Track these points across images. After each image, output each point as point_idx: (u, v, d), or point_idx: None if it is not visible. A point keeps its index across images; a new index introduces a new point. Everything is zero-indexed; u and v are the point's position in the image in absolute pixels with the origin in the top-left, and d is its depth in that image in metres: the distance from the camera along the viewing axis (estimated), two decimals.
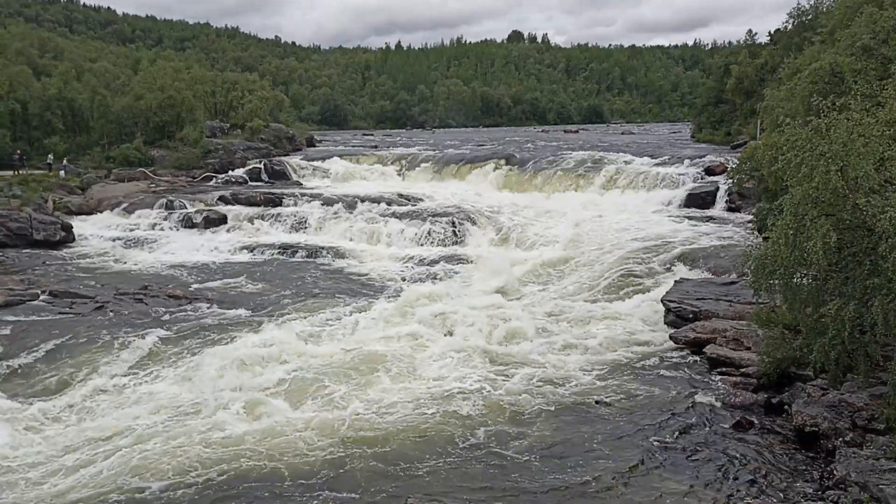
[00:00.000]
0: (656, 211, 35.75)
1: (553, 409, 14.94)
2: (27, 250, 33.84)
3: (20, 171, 46.15)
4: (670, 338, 18.92)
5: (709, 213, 34.79)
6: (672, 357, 17.94)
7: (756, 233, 26.70)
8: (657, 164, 42.82)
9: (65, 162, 48.79)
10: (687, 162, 41.95)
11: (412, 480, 12.00)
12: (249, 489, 11.82)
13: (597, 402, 15.24)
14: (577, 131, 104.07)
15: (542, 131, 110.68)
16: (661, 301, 20.84)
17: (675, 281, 22.76)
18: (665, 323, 20.12)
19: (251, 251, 33.75)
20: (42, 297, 24.92)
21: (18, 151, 48.58)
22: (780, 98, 26.85)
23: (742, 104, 58.22)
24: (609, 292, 23.82)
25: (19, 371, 18.22)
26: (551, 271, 27.15)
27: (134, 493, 11.80)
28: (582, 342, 19.36)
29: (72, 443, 14.04)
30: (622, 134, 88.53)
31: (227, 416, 14.70)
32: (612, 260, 26.38)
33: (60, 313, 23.10)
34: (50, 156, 50.02)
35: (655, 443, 13.22)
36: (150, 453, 13.16)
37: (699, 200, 36.38)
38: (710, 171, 39.53)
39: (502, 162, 49.83)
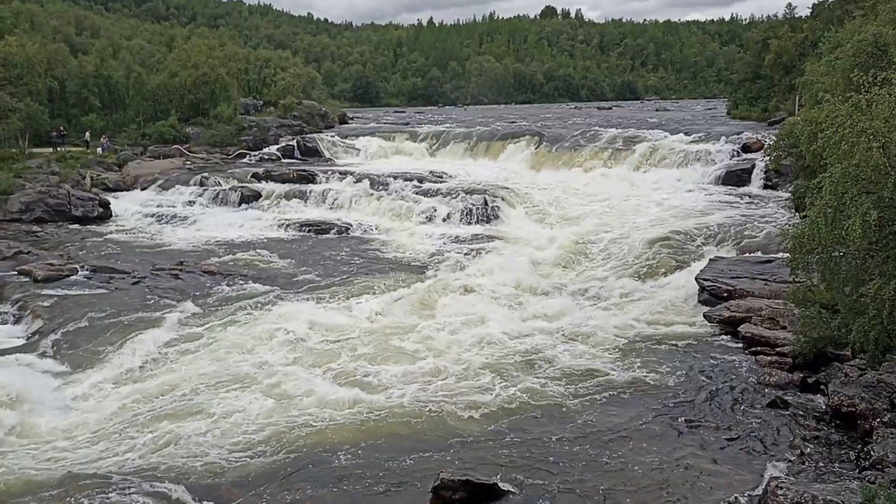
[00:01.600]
0: (690, 189, 35.31)
1: (584, 387, 14.94)
2: (66, 226, 34.45)
3: (59, 149, 46.86)
4: (704, 316, 18.78)
5: (744, 190, 34.25)
6: (706, 336, 17.82)
7: (793, 211, 26.28)
8: (692, 142, 42.20)
9: (104, 140, 49.42)
10: (723, 139, 41.27)
11: (444, 456, 12.09)
12: (280, 461, 12.01)
13: (628, 381, 15.20)
14: (610, 108, 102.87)
15: (575, 108, 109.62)
16: (695, 279, 20.66)
17: (710, 259, 22.54)
18: (699, 301, 19.96)
19: (284, 228, 33.99)
20: (81, 272, 25.39)
21: (59, 128, 49.28)
22: (820, 73, 26.26)
23: (780, 80, 57.01)
24: (641, 270, 23.65)
25: (62, 343, 18.67)
26: (583, 249, 26.99)
27: (174, 459, 12.07)
28: (614, 320, 19.30)
29: (114, 412, 14.41)
30: (656, 111, 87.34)
31: (257, 388, 14.94)
32: (645, 238, 26.16)
33: (99, 288, 23.55)
34: (87, 133, 50.69)
35: (689, 421, 13.17)
36: (187, 420, 13.48)
37: (735, 178, 35.82)
38: (746, 149, 38.86)
39: (535, 139, 49.44)
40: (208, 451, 12.43)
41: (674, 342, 17.52)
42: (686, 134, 44.61)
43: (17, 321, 21.10)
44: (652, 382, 15.10)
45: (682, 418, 13.33)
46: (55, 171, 40.65)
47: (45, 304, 21.43)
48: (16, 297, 22.24)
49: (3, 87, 45.47)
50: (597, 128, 50.82)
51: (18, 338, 19.84)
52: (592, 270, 24.71)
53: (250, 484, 11.35)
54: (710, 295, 19.63)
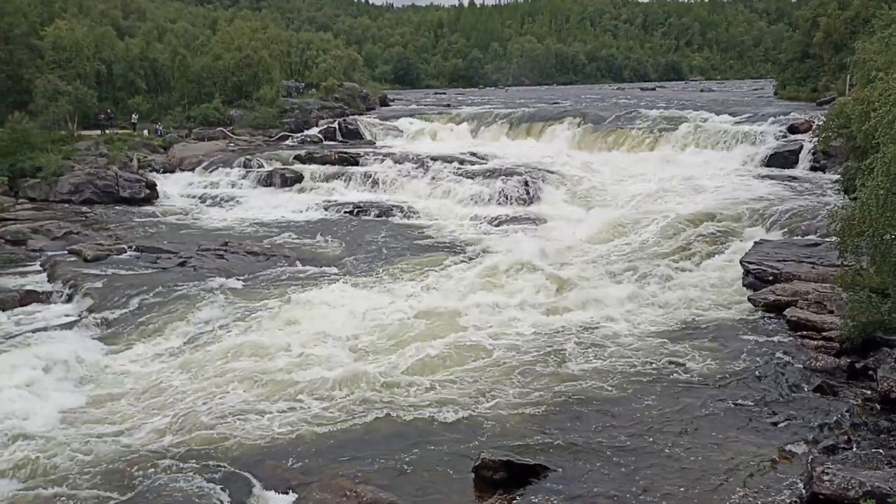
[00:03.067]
0: (735, 170, 34.71)
1: (627, 370, 14.86)
2: (114, 207, 35.17)
3: (106, 131, 47.73)
4: (748, 300, 18.51)
5: (791, 172, 33.57)
6: (750, 320, 17.57)
7: (842, 193, 25.69)
8: (738, 122, 41.44)
9: (158, 126, 50.30)
10: (770, 119, 40.43)
11: (485, 437, 12.16)
12: (322, 439, 12.20)
13: (671, 364, 15.09)
14: (654, 89, 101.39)
15: (618, 89, 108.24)
16: (740, 262, 20.36)
17: (755, 242, 22.18)
18: (743, 285, 19.67)
19: (325, 209, 34.27)
20: (129, 252, 25.96)
21: (106, 111, 50.16)
22: (872, 51, 25.51)
23: (830, 59, 55.61)
24: (684, 253, 23.35)
25: (111, 320, 19.16)
26: (624, 230, 26.73)
27: (218, 432, 12.35)
28: (656, 303, 19.16)
29: (161, 386, 14.79)
30: (701, 91, 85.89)
31: (298, 367, 15.15)
32: (687, 220, 25.80)
33: (146, 267, 24.04)
34: (134, 115, 51.51)
35: (733, 405, 13.05)
36: (230, 396, 13.85)
37: (781, 159, 35.12)
38: (793, 129, 38.02)
39: (576, 120, 48.95)
40: (250, 426, 12.69)
41: (717, 326, 17.32)
42: (731, 115, 43.81)
43: (68, 299, 21.67)
44: (694, 366, 14.97)
45: (726, 402, 13.20)
46: (103, 153, 41.48)
47: (95, 283, 21.94)
48: (67, 277, 22.81)
49: (52, 71, 46.41)
50: (640, 108, 50.16)
51: (70, 315, 20.39)
52: (633, 252, 24.46)
53: (294, 459, 11.56)
54: (755, 278, 19.33)
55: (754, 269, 19.58)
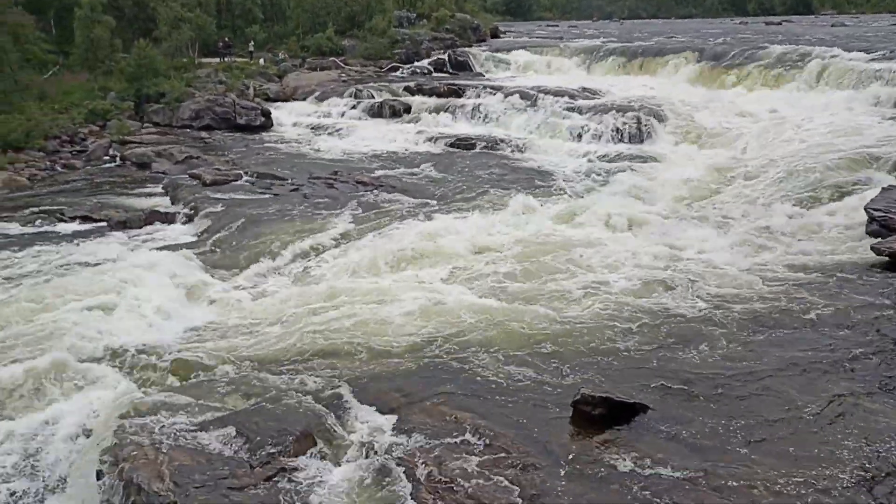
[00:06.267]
0: (866, 111, 32.54)
1: (731, 317, 14.37)
2: (231, 133, 36.48)
3: (225, 59, 49.12)
4: (871, 249, 17.53)
5: None
6: (872, 270, 16.67)
7: None
8: (871, 60, 38.64)
9: (281, 54, 51.40)
10: None
11: (585, 373, 12.18)
12: (423, 367, 12.52)
13: (782, 311, 14.57)
14: (780, 23, 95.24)
15: (741, 23, 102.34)
16: (864, 209, 19.26)
17: (882, 188, 20.90)
18: (866, 233, 18.63)
19: (433, 141, 34.39)
20: (244, 178, 27.02)
21: (225, 39, 51.54)
22: None
23: None
24: (802, 197, 22.26)
25: (226, 242, 20.10)
26: (741, 172, 25.70)
27: (325, 356, 12.89)
28: (770, 247, 18.45)
29: (271, 308, 15.53)
30: (832, 27, 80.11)
31: (404, 296, 15.43)
32: (809, 163, 24.52)
33: (260, 193, 25.00)
34: (251, 44, 52.72)
35: (846, 358, 12.51)
36: (338, 321, 14.28)
37: None
38: None
39: (694, 55, 46.81)
40: (357, 351, 13.12)
41: (835, 273, 16.52)
42: (865, 52, 40.85)
43: (188, 221, 22.87)
44: (806, 316, 14.38)
45: (838, 354, 12.66)
46: (222, 80, 42.90)
47: (213, 206, 22.99)
48: (188, 199, 24.01)
49: None
50: (763, 44, 47.47)
51: (189, 236, 21.56)
52: (748, 195, 23.52)
53: (397, 384, 11.92)
54: (881, 226, 18.26)
55: (879, 217, 18.49)
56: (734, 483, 9.07)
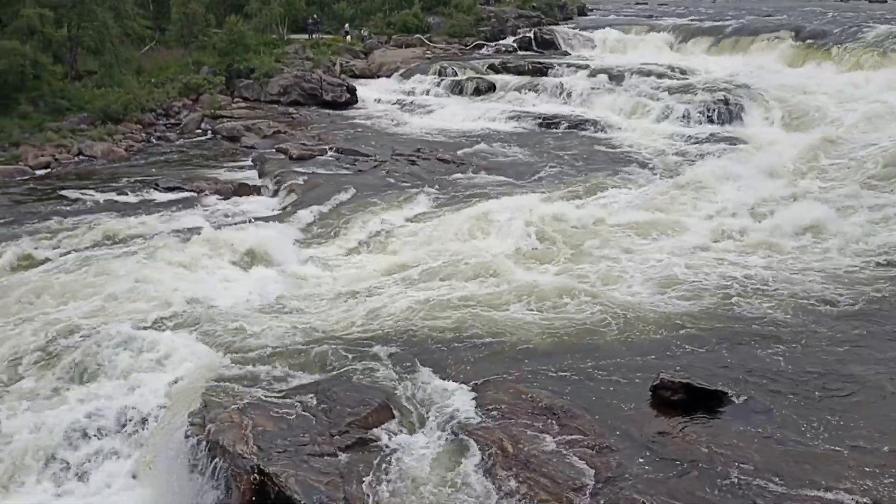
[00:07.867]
0: None
1: (818, 309, 13.74)
2: (317, 109, 37.08)
3: (313, 36, 49.81)
4: None
5: None
6: None
7: None
8: None
9: (367, 31, 52.08)
10: None
11: (665, 359, 11.98)
12: (497, 344, 12.54)
13: (869, 302, 13.89)
14: (885, 1, 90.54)
15: (842, 1, 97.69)
16: None
17: None
18: None
19: (516, 120, 34.14)
20: (329, 153, 27.43)
21: (313, 16, 52.25)
22: None
23: None
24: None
25: (310, 215, 20.48)
26: (835, 156, 24.54)
27: (414, 328, 13.03)
28: (856, 236, 17.38)
29: (352, 279, 15.86)
30: None
31: (479, 275, 15.46)
32: None
33: (345, 168, 25.37)
34: (346, 25, 53.43)
35: None
36: (414, 294, 14.49)
37: None
38: None
39: (790, 34, 44.90)
40: (435, 325, 13.22)
41: None
42: None
43: (274, 194, 23.43)
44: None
45: None
46: (309, 56, 43.52)
47: (299, 180, 23.44)
48: (275, 173, 24.55)
49: None
50: (865, 23, 45.16)
51: (275, 209, 22.09)
52: (842, 180, 22.47)
53: (473, 360, 12.00)
54: None
55: None
56: (820, 480, 8.79)
